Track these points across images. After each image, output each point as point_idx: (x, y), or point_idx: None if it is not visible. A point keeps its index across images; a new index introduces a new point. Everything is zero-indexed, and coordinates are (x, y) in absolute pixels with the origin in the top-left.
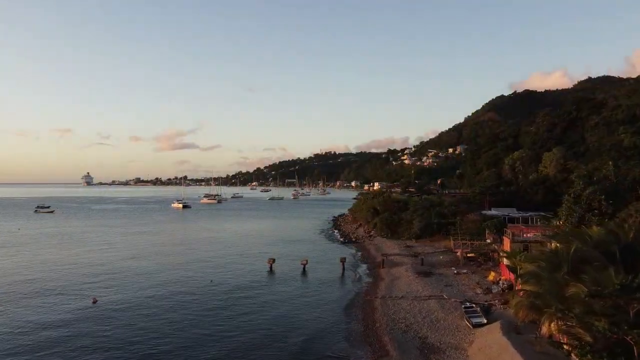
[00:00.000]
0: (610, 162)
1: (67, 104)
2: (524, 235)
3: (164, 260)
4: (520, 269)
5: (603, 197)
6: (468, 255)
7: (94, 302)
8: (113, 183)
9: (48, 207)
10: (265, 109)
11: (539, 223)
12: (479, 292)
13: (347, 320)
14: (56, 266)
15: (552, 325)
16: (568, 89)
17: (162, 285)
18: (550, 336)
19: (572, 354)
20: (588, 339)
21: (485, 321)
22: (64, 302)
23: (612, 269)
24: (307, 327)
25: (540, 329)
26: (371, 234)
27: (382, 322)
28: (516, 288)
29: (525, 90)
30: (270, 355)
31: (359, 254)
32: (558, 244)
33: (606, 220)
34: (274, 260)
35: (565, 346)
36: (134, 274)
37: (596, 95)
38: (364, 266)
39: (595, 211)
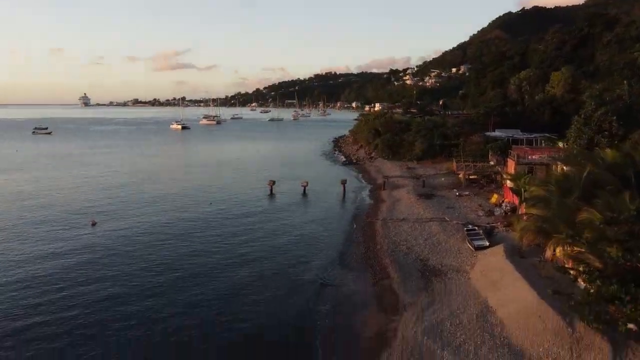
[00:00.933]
0: (625, 82)
1: (58, 22)
2: (529, 157)
3: (163, 182)
4: (524, 191)
5: (614, 118)
6: (470, 177)
7: (93, 224)
8: (111, 104)
9: (45, 128)
10: (263, 25)
11: (543, 144)
12: (481, 215)
13: (347, 243)
14: (55, 188)
15: (558, 250)
16: (579, 5)
17: (161, 209)
18: (553, 260)
19: (579, 280)
20: (598, 264)
21: (487, 244)
22: (63, 223)
23: (627, 194)
24: (307, 251)
25: (544, 253)
26: (372, 155)
27: (383, 245)
28: (520, 211)
29: (534, 6)
30: (269, 282)
31: (360, 175)
32: (565, 167)
33: (616, 142)
34: (274, 182)
35: (572, 271)
36: (132, 196)
37: (609, 11)
38: (365, 188)
39: (606, 132)
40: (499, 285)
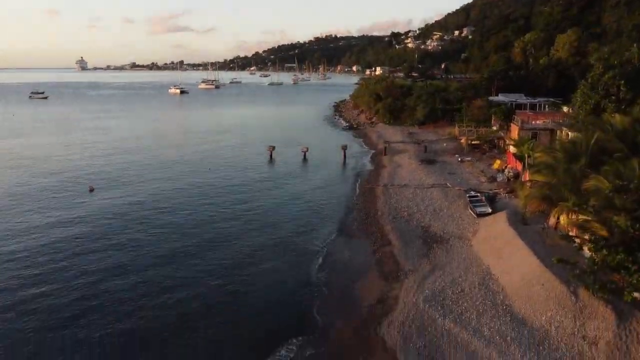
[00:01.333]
0: (634, 45)
1: None
2: (533, 122)
3: (161, 148)
4: (528, 157)
5: (623, 82)
6: (472, 142)
7: (91, 190)
8: (108, 68)
9: (42, 92)
10: None
11: (547, 109)
12: (484, 181)
13: (348, 210)
14: (51, 154)
15: (562, 217)
16: None
17: (159, 176)
18: (556, 227)
19: (584, 248)
20: (604, 233)
21: (490, 210)
22: (61, 190)
23: (635, 161)
24: (307, 218)
25: (548, 220)
26: (373, 120)
27: (384, 211)
28: (524, 177)
29: None
30: (269, 250)
31: (361, 141)
32: (570, 133)
33: (624, 107)
34: (273, 148)
35: (577, 240)
36: (130, 162)
37: None
38: (366, 154)
39: (613, 97)
40: (502, 252)
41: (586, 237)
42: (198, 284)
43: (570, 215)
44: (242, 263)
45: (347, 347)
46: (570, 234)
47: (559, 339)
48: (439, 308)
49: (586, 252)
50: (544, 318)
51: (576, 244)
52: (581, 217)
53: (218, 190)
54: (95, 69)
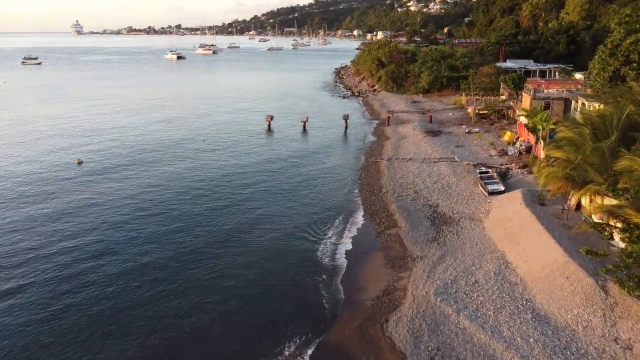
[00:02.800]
0: None
1: None
2: (546, 91)
3: (155, 117)
4: (542, 129)
5: None
6: (480, 112)
7: (79, 163)
8: (104, 32)
9: (35, 58)
10: None
11: (557, 76)
12: (494, 155)
13: (350, 187)
14: (42, 122)
15: (585, 200)
16: None
17: (152, 146)
18: (576, 209)
19: (616, 238)
20: (639, 220)
21: (502, 188)
22: (49, 162)
23: None
24: (306, 198)
25: (570, 201)
26: (375, 88)
27: (389, 188)
28: (537, 151)
29: None
30: (266, 237)
31: (363, 110)
32: (588, 103)
33: None
34: (272, 118)
35: (607, 228)
36: (123, 132)
37: None
38: (368, 124)
39: (634, 64)
40: (519, 237)
41: (618, 224)
42: (189, 271)
43: (595, 198)
44: (232, 249)
45: (351, 347)
46: (594, 217)
47: (588, 342)
48: (452, 302)
49: (618, 242)
50: (569, 316)
51: (606, 233)
52: (608, 201)
53: (211, 166)
54: (91, 33)
